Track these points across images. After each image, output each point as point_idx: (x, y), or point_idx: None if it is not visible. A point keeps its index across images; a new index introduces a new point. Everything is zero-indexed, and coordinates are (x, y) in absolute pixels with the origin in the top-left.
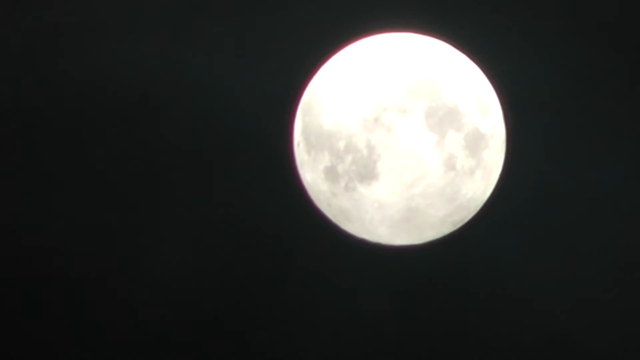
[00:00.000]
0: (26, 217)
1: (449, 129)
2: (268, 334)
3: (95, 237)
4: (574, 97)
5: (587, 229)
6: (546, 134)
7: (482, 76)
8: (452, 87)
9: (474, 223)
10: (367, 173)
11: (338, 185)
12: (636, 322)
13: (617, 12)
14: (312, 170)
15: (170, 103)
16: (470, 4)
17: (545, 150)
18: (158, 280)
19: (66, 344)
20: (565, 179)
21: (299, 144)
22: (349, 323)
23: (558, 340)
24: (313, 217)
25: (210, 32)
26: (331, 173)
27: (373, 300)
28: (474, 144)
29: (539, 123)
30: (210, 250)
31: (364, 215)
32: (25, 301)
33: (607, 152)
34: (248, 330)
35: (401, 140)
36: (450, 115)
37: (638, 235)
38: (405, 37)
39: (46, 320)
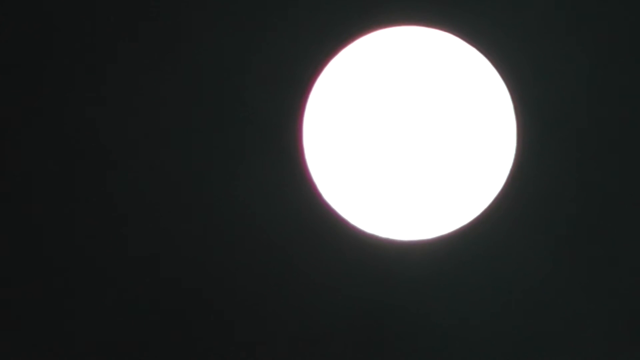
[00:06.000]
0: None
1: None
2: (267, 330)
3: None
4: (589, 96)
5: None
6: (559, 132)
7: (493, 72)
8: (462, 82)
9: (481, 220)
10: None
11: None
12: None
13: (635, 12)
14: None
15: None
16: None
17: (556, 148)
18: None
19: None
20: (576, 178)
21: None
22: (353, 320)
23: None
24: (323, 212)
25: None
26: None
27: (379, 293)
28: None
29: (551, 121)
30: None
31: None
32: None
33: (619, 152)
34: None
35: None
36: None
37: None
38: (414, 32)
39: None
